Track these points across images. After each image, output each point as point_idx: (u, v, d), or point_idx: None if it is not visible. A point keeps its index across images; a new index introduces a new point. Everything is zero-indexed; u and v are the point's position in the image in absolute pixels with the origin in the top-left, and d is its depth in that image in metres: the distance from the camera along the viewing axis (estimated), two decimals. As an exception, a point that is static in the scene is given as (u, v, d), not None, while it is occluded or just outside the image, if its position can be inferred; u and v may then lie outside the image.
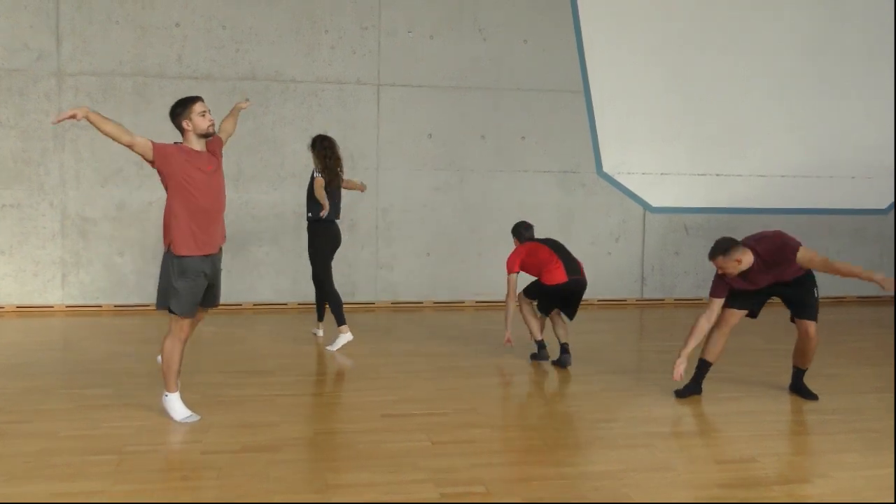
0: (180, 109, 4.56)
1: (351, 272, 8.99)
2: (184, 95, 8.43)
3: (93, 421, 4.75)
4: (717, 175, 9.73)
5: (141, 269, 8.59)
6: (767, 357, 6.87)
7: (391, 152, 9.00)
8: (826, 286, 10.14)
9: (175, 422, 4.74)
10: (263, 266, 8.81)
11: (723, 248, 5.25)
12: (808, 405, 5.38)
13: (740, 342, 7.49)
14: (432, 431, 4.69)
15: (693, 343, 5.33)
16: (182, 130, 4.60)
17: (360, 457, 4.25)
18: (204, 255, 4.68)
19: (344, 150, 8.79)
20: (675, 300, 9.61)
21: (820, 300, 5.53)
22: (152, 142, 4.50)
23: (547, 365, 6.34)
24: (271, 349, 6.88)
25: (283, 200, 8.76)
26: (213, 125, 4.59)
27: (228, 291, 8.71)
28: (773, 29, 9.73)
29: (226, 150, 8.61)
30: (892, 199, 10.23)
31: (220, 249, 4.85)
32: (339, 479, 3.94)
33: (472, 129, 9.17)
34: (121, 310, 8.52)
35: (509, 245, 9.40)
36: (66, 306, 8.48)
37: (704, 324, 5.38)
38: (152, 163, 4.55)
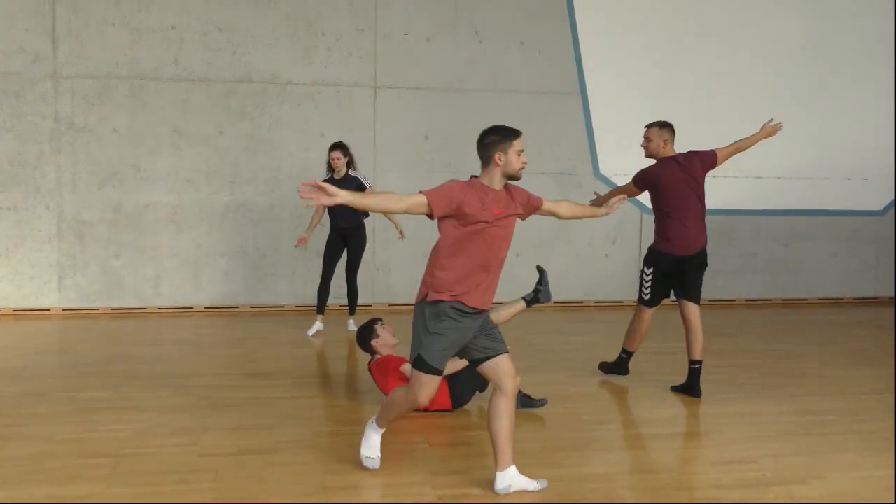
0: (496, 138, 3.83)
1: (348, 274, 8.98)
2: (179, 98, 8.45)
3: (89, 424, 4.74)
4: (714, 176, 9.60)
5: (137, 271, 8.57)
6: (764, 358, 6.87)
7: (388, 154, 8.99)
8: (824, 287, 10.26)
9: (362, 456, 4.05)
10: (261, 268, 8.80)
11: (665, 124, 5.71)
12: (806, 406, 5.38)
13: (737, 343, 7.50)
14: (430, 433, 4.68)
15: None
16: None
17: (357, 459, 4.24)
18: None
19: (341, 153, 8.85)
20: (672, 302, 9.57)
21: (645, 282, 5.87)
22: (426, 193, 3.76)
23: (543, 367, 6.34)
24: (269, 351, 6.87)
25: (281, 202, 8.75)
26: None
27: (226, 293, 8.75)
28: (769, 31, 9.74)
29: (223, 152, 8.67)
30: (888, 200, 10.24)
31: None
32: (337, 481, 3.93)
33: (469, 131, 9.09)
34: (117, 313, 8.51)
35: (506, 247, 9.41)
36: (63, 309, 8.47)
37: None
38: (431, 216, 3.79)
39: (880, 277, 10.32)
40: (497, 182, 3.85)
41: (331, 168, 7.47)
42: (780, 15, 9.76)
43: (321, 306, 7.61)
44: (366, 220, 7.64)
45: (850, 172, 10.07)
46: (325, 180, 7.46)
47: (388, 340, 5.37)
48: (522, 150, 3.83)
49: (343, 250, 7.62)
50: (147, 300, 8.64)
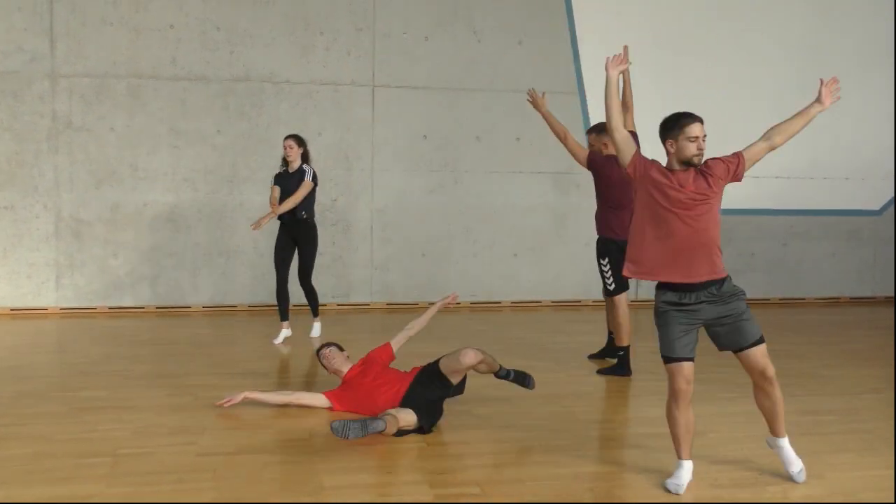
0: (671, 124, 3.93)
1: (346, 273, 8.98)
2: (177, 97, 8.40)
3: (87, 424, 4.73)
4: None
5: (135, 271, 8.57)
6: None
7: (386, 153, 8.99)
8: (822, 287, 10.27)
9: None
10: (259, 267, 8.79)
11: (603, 128, 5.67)
12: (804, 405, 5.38)
13: (735, 343, 7.50)
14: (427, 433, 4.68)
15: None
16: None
17: (356, 458, 4.25)
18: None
19: (339, 152, 8.85)
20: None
21: (606, 274, 6.29)
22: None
23: (541, 367, 6.35)
24: (267, 351, 6.87)
25: (278, 202, 8.74)
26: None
27: (224, 293, 8.75)
28: (766, 31, 9.75)
29: (221, 152, 8.67)
30: (886, 200, 10.24)
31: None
32: (335, 480, 3.93)
33: (467, 130, 9.17)
34: (115, 312, 8.50)
35: (505, 245, 9.44)
36: (61, 309, 8.46)
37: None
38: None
39: (878, 277, 10.33)
40: (675, 167, 3.93)
41: (285, 160, 7.21)
42: (780, 14, 9.77)
43: (283, 311, 7.23)
44: (306, 216, 7.14)
45: (848, 172, 10.08)
46: (278, 174, 7.27)
47: (334, 363, 5.27)
48: (698, 137, 3.86)
49: (293, 249, 7.25)
50: (145, 300, 8.63)
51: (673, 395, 3.91)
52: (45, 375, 5.98)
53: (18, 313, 8.33)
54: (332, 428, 4.17)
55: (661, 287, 3.94)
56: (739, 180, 4.04)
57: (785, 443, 4.09)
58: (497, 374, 5.06)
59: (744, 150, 4.07)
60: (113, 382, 5.68)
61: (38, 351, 6.86)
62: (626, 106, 6.41)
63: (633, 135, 6.31)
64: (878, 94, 10.08)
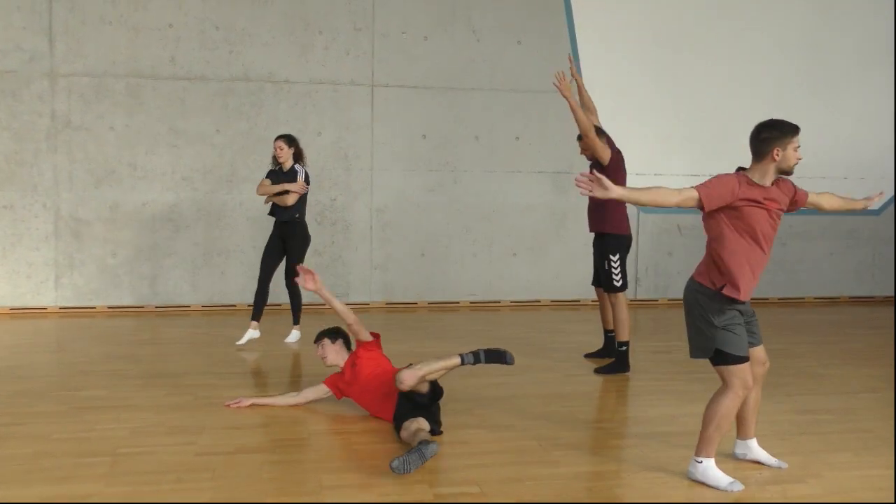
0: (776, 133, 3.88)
1: (345, 273, 8.98)
2: (176, 97, 8.43)
3: (86, 423, 4.73)
4: (711, 175, 9.72)
5: (134, 270, 8.57)
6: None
7: (385, 153, 8.99)
8: (821, 286, 10.27)
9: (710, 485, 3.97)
10: (258, 267, 8.77)
11: (600, 130, 6.00)
12: (802, 405, 5.38)
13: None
14: (427, 432, 4.68)
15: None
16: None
17: (355, 458, 4.25)
18: None
19: (338, 151, 8.85)
20: (669, 300, 9.62)
21: (615, 270, 6.24)
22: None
23: (540, 366, 6.35)
24: (265, 350, 6.86)
25: (277, 201, 8.74)
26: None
27: (223, 292, 8.75)
28: (766, 30, 9.75)
29: (221, 152, 8.67)
30: (885, 200, 10.25)
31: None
32: (334, 480, 3.93)
33: (466, 129, 9.17)
34: (114, 311, 8.50)
35: (504, 245, 9.44)
36: (60, 308, 8.46)
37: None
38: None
39: (877, 277, 10.34)
40: (769, 177, 3.93)
41: (277, 161, 7.08)
42: (780, 14, 9.77)
43: (257, 312, 7.02)
44: (298, 217, 7.08)
45: (847, 172, 10.08)
46: (270, 172, 7.12)
47: (327, 361, 5.18)
48: (798, 147, 3.90)
49: (282, 252, 7.15)
50: (144, 299, 8.63)
51: (745, 392, 3.95)
52: (44, 375, 5.98)
53: (17, 313, 8.33)
54: (392, 468, 3.86)
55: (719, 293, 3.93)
56: (791, 210, 4.13)
57: (755, 442, 4.31)
58: (465, 364, 4.71)
59: (809, 192, 4.22)
60: (112, 382, 5.67)
61: (37, 350, 6.86)
62: (589, 109, 6.44)
63: (599, 129, 6.31)
64: (877, 94, 10.09)
